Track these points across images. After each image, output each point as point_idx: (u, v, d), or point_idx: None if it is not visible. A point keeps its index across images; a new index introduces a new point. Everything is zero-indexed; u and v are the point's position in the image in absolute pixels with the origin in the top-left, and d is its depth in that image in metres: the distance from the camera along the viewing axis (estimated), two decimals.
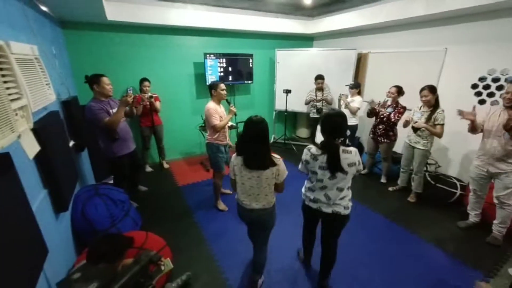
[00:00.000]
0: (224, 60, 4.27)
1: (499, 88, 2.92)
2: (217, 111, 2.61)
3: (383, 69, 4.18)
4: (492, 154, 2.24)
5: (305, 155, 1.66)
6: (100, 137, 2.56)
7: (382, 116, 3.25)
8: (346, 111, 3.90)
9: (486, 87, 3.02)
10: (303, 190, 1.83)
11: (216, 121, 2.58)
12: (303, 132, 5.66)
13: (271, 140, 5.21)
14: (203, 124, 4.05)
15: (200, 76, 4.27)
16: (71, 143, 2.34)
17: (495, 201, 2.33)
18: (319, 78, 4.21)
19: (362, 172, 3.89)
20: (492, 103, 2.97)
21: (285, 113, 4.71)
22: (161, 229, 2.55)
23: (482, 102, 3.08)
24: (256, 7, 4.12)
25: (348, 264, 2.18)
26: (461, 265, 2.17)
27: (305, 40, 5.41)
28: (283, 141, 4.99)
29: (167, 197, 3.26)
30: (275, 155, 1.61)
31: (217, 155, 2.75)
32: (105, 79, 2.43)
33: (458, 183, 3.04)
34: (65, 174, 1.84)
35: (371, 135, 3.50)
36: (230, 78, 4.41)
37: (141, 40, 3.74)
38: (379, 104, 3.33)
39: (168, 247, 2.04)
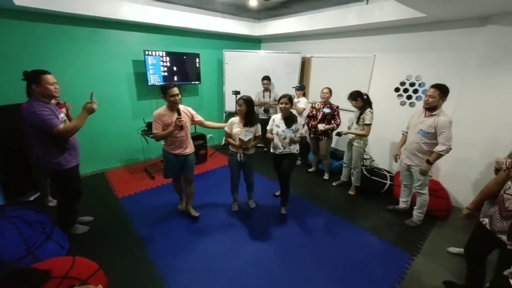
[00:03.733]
0: (168, 58, 3.99)
1: (415, 91, 3.42)
2: (161, 119, 2.33)
3: (324, 72, 4.50)
4: (409, 149, 2.59)
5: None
6: (40, 146, 2.01)
7: (325, 118, 3.48)
8: (293, 111, 4.07)
9: (405, 90, 3.51)
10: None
11: (155, 130, 2.35)
12: None
13: (223, 143, 5.11)
14: (145, 128, 3.72)
15: (140, 75, 3.90)
16: None
17: (414, 190, 2.72)
18: (265, 79, 4.35)
19: (310, 170, 4.12)
20: (411, 105, 3.47)
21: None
22: (95, 250, 2.24)
23: (403, 103, 3.56)
24: (200, 5, 3.98)
25: (300, 263, 2.24)
26: (393, 247, 2.46)
27: (253, 42, 5.47)
28: None
29: (103, 212, 2.86)
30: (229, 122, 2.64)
31: (164, 162, 2.62)
32: (48, 77, 1.94)
33: (388, 175, 3.45)
34: None
35: (311, 135, 3.72)
36: (176, 78, 4.15)
37: (65, 33, 3.21)
38: (314, 108, 3.63)
39: (102, 271, 1.78)
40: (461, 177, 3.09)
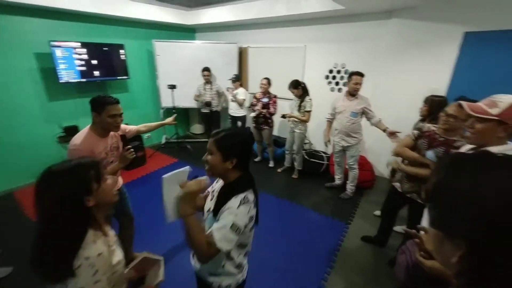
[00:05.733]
0: (85, 50, 3.45)
1: (341, 78, 3.78)
2: (92, 150, 1.50)
3: (261, 62, 4.57)
4: (344, 131, 2.87)
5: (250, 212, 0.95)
6: None
7: (265, 108, 3.57)
8: (234, 104, 4.06)
9: (333, 77, 3.84)
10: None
11: None
12: (197, 128, 5.50)
13: (163, 141, 4.77)
14: (63, 134, 3.18)
15: (49, 71, 3.26)
16: None
17: (347, 166, 3.05)
18: (206, 70, 4.17)
19: (256, 160, 4.20)
20: (339, 90, 3.83)
21: (173, 110, 4.37)
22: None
23: (332, 90, 3.90)
24: None
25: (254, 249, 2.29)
26: (331, 219, 2.74)
27: (186, 31, 5.16)
28: (176, 140, 4.67)
29: (15, 242, 2.32)
30: None
31: None
32: None
33: (324, 156, 3.78)
34: None
35: (253, 125, 3.80)
36: (97, 73, 3.63)
37: None
38: (255, 98, 3.68)
39: None
40: (380, 150, 3.59)
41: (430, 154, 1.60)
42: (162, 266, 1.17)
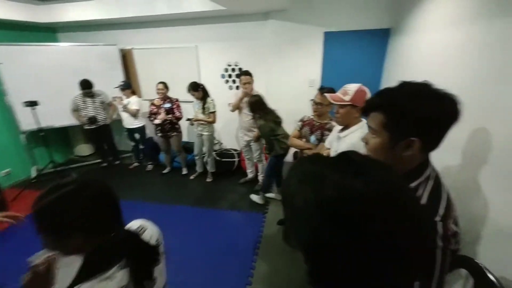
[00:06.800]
0: None
1: (237, 76, 3.91)
2: None
3: (152, 65, 4.16)
4: (245, 127, 3.02)
5: None
6: None
7: (169, 114, 3.34)
8: (126, 115, 3.56)
9: (229, 76, 3.94)
10: None
11: None
12: (84, 149, 4.51)
13: (33, 174, 3.66)
14: None
15: None
16: None
17: (255, 160, 3.24)
18: (86, 87, 3.40)
19: (164, 171, 3.85)
20: (237, 88, 3.96)
21: (41, 133, 3.40)
22: None
23: (230, 88, 4.00)
24: None
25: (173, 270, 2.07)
26: (250, 214, 2.83)
27: (42, 32, 4.08)
28: (53, 169, 3.66)
29: None
30: None
31: None
32: None
33: (235, 153, 3.87)
34: None
35: (159, 134, 3.49)
36: None
37: None
38: (154, 104, 3.39)
39: None
40: None
41: (312, 138, 1.86)
42: None
